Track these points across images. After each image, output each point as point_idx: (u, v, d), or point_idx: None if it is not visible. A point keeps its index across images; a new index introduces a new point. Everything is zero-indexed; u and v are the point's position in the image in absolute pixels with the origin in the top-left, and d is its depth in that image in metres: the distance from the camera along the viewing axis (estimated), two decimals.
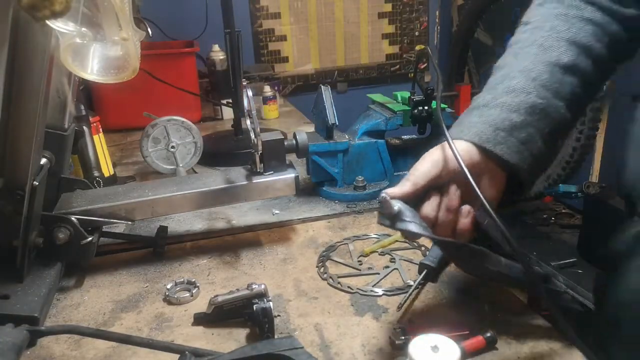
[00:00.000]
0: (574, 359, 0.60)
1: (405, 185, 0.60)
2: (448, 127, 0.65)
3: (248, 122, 0.87)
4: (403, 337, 0.62)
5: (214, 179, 0.89)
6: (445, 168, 0.62)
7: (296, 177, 0.89)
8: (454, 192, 0.61)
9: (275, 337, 0.65)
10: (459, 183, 0.62)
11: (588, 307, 0.70)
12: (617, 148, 0.71)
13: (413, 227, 0.56)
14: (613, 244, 0.71)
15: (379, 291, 0.75)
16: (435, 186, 0.62)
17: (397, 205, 0.57)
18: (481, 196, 0.58)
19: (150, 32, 1.66)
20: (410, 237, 0.61)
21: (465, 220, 0.61)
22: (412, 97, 1.11)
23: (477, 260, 0.60)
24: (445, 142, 0.63)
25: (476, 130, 0.64)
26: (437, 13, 3.04)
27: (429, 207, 0.61)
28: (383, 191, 0.59)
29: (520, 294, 0.74)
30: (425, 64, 3.06)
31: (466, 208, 0.61)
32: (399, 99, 1.16)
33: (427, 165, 0.62)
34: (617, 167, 0.71)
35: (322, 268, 0.82)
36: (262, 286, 0.67)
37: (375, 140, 1.10)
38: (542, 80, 0.65)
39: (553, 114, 0.65)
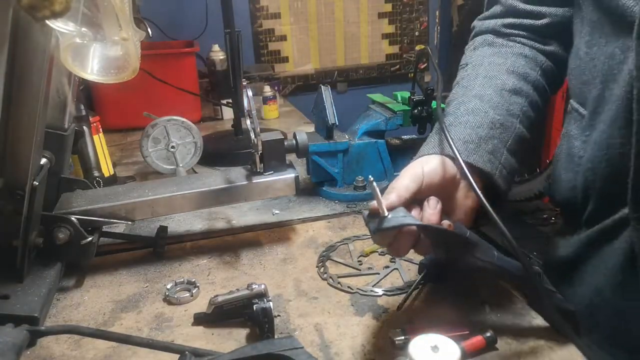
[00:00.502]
0: (574, 359, 0.60)
1: (391, 196, 0.60)
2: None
3: (248, 122, 0.87)
4: (403, 337, 0.62)
5: (214, 179, 0.89)
6: (426, 183, 0.63)
7: (296, 177, 0.89)
8: (434, 206, 0.62)
9: (275, 337, 0.65)
10: (438, 197, 0.63)
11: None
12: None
13: (409, 220, 0.57)
14: (558, 254, 0.76)
15: (379, 291, 0.75)
16: (415, 200, 0.63)
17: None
18: (482, 198, 0.58)
19: (150, 32, 1.66)
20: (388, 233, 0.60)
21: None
22: (412, 97, 1.11)
23: (468, 251, 0.60)
24: (421, 158, 0.67)
25: (444, 146, 0.67)
26: (437, 13, 3.04)
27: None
28: (368, 204, 0.59)
29: (520, 294, 0.74)
30: (425, 64, 3.06)
31: (445, 222, 0.62)
32: (399, 99, 1.16)
33: (407, 180, 0.63)
34: (548, 186, 0.79)
35: (322, 268, 0.82)
36: (262, 286, 0.67)
37: (375, 140, 1.10)
38: (494, 102, 0.72)
39: (511, 128, 0.72)
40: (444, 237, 0.61)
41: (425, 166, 0.65)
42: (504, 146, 0.70)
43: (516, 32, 0.80)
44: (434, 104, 1.09)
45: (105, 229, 0.87)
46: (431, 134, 0.73)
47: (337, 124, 1.07)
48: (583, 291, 0.71)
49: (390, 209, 0.58)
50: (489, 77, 0.75)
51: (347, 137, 1.10)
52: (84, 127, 1.12)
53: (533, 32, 0.79)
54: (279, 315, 0.71)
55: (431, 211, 0.61)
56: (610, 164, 0.63)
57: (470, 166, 0.66)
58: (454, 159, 0.66)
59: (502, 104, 0.72)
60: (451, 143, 0.64)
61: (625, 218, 0.63)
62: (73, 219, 0.77)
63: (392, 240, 0.61)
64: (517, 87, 0.75)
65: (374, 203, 0.57)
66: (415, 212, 0.62)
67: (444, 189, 0.65)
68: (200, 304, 0.74)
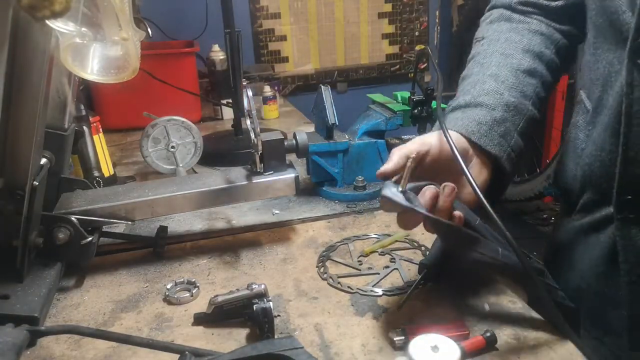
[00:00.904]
0: (574, 359, 0.60)
1: (393, 157, 0.64)
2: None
3: (248, 122, 0.87)
4: (403, 337, 0.62)
5: (214, 179, 0.89)
6: (437, 153, 0.65)
7: (296, 177, 0.89)
8: (448, 194, 0.62)
9: (275, 337, 0.65)
10: (452, 176, 0.64)
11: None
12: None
13: (418, 208, 0.58)
14: (557, 237, 0.81)
15: (379, 291, 0.75)
16: (432, 171, 0.65)
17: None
18: (482, 198, 0.58)
19: (150, 32, 1.66)
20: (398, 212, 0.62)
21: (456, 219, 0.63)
22: (412, 97, 1.11)
23: (472, 245, 0.61)
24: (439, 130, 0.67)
25: (462, 124, 0.69)
26: (437, 13, 3.04)
27: (424, 200, 0.62)
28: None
29: (520, 294, 0.74)
30: (425, 64, 3.06)
31: (457, 214, 0.62)
32: (399, 99, 1.16)
33: (416, 144, 0.65)
34: (555, 168, 0.81)
35: (322, 268, 0.82)
36: (262, 286, 0.67)
37: (375, 140, 1.10)
38: (510, 83, 0.73)
39: (524, 111, 0.72)
40: (449, 230, 0.61)
41: (442, 137, 0.66)
42: (515, 129, 0.71)
43: (531, 9, 0.80)
44: (434, 104, 1.09)
45: (105, 229, 0.87)
46: (447, 113, 0.74)
47: (337, 124, 1.07)
48: (571, 275, 0.76)
49: (392, 173, 0.62)
50: (505, 55, 0.75)
51: (347, 137, 1.10)
52: (84, 127, 1.12)
53: (547, 12, 0.79)
54: (279, 315, 0.71)
55: (445, 198, 0.61)
56: (602, 165, 0.67)
57: (481, 148, 0.68)
58: (465, 137, 0.68)
59: (517, 86, 0.73)
60: (448, 136, 0.64)
61: (610, 216, 0.67)
62: (73, 219, 0.77)
63: (401, 213, 0.62)
64: (532, 67, 0.75)
65: (386, 167, 0.62)
66: (429, 193, 0.62)
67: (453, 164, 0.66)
68: (200, 304, 0.74)
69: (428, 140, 0.66)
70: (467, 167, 0.65)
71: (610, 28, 0.64)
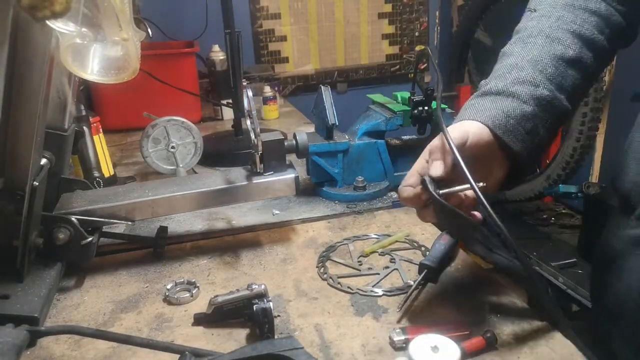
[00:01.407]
0: (574, 359, 0.60)
1: (438, 166, 0.64)
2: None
3: (248, 122, 0.87)
4: (403, 337, 0.62)
5: (214, 179, 0.89)
6: (470, 142, 0.65)
7: (296, 178, 0.89)
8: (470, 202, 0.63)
9: (275, 337, 0.65)
10: (476, 160, 0.65)
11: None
12: (617, 150, 0.74)
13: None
14: (610, 243, 0.74)
15: (379, 291, 0.75)
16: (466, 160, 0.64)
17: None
18: (483, 199, 0.58)
19: (150, 32, 1.65)
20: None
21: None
22: (412, 98, 1.11)
23: (474, 234, 0.63)
24: (463, 122, 0.67)
25: (489, 114, 0.67)
26: (437, 13, 3.04)
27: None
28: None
29: (520, 294, 0.74)
30: (425, 64, 3.06)
31: (478, 215, 0.64)
32: (399, 99, 1.16)
33: (456, 133, 0.64)
34: (615, 169, 0.74)
35: (322, 268, 0.82)
36: (262, 286, 0.67)
37: (375, 140, 1.10)
38: (548, 73, 0.69)
39: (557, 106, 0.69)
40: (455, 217, 0.63)
41: (470, 127, 0.65)
42: (544, 125, 0.68)
43: None
44: (434, 104, 1.09)
45: (105, 229, 0.87)
46: (470, 102, 0.71)
47: (337, 124, 1.07)
48: (618, 287, 0.70)
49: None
50: (552, 39, 0.70)
51: (347, 137, 1.10)
52: (84, 127, 1.12)
53: None
54: (279, 316, 0.71)
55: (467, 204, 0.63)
56: None
57: (503, 143, 0.66)
58: (490, 129, 0.66)
59: (555, 77, 0.69)
60: (451, 142, 0.63)
61: None
62: (73, 219, 0.77)
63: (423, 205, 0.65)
64: (578, 56, 0.70)
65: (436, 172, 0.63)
66: (454, 201, 0.64)
67: (482, 154, 0.66)
68: (200, 304, 0.74)
69: (466, 129, 0.65)
70: (490, 160, 0.66)
71: None
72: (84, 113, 1.13)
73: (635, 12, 0.73)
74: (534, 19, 0.74)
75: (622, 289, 0.70)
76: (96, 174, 1.14)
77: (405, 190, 0.66)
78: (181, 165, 1.17)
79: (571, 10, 0.72)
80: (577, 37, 0.70)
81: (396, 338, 0.63)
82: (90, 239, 0.78)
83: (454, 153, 0.62)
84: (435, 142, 0.66)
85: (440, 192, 0.62)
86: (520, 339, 0.63)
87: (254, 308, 0.64)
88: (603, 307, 0.74)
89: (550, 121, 0.69)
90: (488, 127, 0.66)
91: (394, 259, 0.84)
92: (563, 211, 2.23)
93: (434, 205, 0.64)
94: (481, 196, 0.59)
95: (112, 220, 0.82)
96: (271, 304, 0.64)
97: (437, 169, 0.63)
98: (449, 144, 0.63)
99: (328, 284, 0.78)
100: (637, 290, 0.67)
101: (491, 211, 0.57)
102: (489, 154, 0.67)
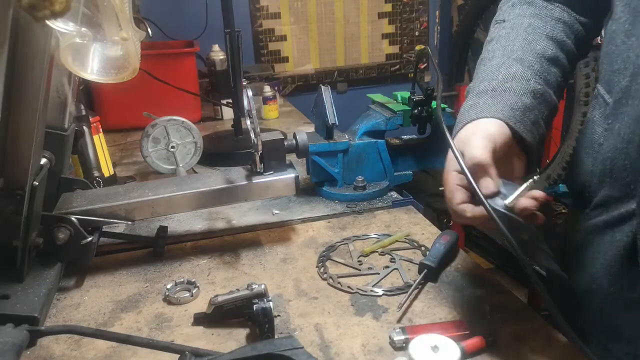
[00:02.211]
0: (574, 359, 0.60)
1: (490, 183, 0.60)
2: (448, 127, 0.66)
3: (248, 122, 0.87)
4: (403, 337, 0.62)
5: (214, 179, 0.89)
6: (502, 141, 0.63)
7: (296, 177, 0.89)
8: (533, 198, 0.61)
9: (275, 337, 0.65)
10: (508, 161, 0.65)
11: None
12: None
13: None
14: (572, 241, 0.77)
15: (379, 291, 0.75)
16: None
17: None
18: (484, 199, 0.58)
19: (150, 32, 1.66)
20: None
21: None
22: (412, 97, 1.11)
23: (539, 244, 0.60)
24: (478, 121, 0.65)
25: (496, 109, 0.66)
26: (437, 13, 3.04)
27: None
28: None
29: (520, 294, 0.74)
30: (425, 64, 3.06)
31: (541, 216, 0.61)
32: (399, 99, 1.16)
33: (486, 141, 0.62)
34: (571, 166, 0.78)
35: (322, 268, 0.82)
36: (262, 286, 0.67)
37: (375, 140, 1.10)
38: (535, 69, 0.71)
39: (548, 99, 0.70)
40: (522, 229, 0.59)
41: (490, 127, 0.64)
42: (542, 117, 0.69)
43: None
44: (434, 104, 1.09)
45: (105, 229, 0.87)
46: (469, 103, 0.71)
47: (337, 124, 1.07)
48: (581, 276, 0.73)
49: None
50: (529, 42, 0.73)
51: (347, 137, 1.10)
52: (84, 127, 1.12)
53: (569, 1, 0.78)
54: (279, 315, 0.71)
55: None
56: (628, 158, 0.64)
57: (518, 134, 0.65)
58: (506, 123, 0.65)
59: (542, 73, 0.71)
60: (452, 144, 0.63)
61: (631, 212, 0.64)
62: (73, 219, 0.77)
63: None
64: (555, 55, 0.73)
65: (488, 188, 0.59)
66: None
67: (506, 151, 0.65)
68: (200, 304, 0.74)
69: (487, 130, 0.64)
70: (511, 155, 0.65)
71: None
72: (84, 113, 1.13)
73: (593, 23, 0.78)
74: (505, 28, 0.77)
75: (585, 279, 0.72)
76: (96, 173, 1.14)
77: (467, 210, 0.61)
78: (181, 165, 1.17)
79: (539, 18, 0.76)
80: (550, 40, 0.74)
81: (396, 338, 0.63)
82: (90, 238, 0.78)
83: (455, 155, 0.60)
84: (474, 156, 0.61)
85: (507, 203, 0.58)
86: (520, 339, 0.63)
87: (254, 308, 0.64)
88: (575, 304, 0.75)
89: (546, 113, 0.70)
90: (503, 121, 0.65)
91: (394, 258, 0.84)
92: (563, 211, 2.23)
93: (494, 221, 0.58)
94: (481, 194, 0.58)
95: (112, 220, 0.82)
96: (271, 303, 0.64)
97: (490, 185, 0.60)
98: (450, 143, 0.62)
99: (328, 283, 0.78)
100: (604, 276, 0.69)
101: (492, 211, 0.57)
102: (510, 149, 0.66)
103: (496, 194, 0.59)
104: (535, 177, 0.58)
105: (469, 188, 0.61)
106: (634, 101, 0.63)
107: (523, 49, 0.72)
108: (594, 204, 0.71)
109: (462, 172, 0.59)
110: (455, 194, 0.62)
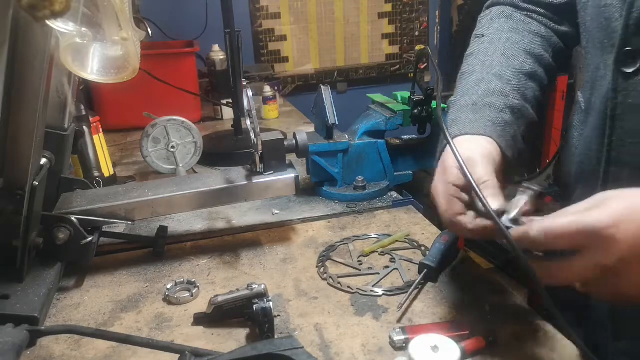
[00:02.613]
0: (574, 359, 0.60)
1: (497, 197, 0.59)
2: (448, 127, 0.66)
3: (248, 122, 0.87)
4: (403, 337, 0.62)
5: (214, 179, 0.89)
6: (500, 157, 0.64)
7: (296, 177, 0.89)
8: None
9: (275, 337, 0.65)
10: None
11: None
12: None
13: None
14: None
15: (379, 291, 0.75)
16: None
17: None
18: (481, 194, 0.58)
19: (150, 32, 1.66)
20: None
21: None
22: (412, 97, 1.11)
23: None
24: (472, 138, 0.65)
25: (479, 125, 0.67)
26: (437, 13, 3.03)
27: None
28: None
29: (520, 294, 0.74)
30: (425, 64, 3.06)
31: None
32: (399, 99, 1.16)
33: (488, 167, 0.62)
34: (555, 166, 0.80)
35: (322, 268, 0.82)
36: (262, 286, 0.67)
37: (375, 140, 1.10)
38: (513, 84, 0.72)
39: (526, 114, 0.72)
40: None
41: (484, 146, 0.65)
42: (519, 132, 0.70)
43: (533, 7, 0.80)
44: (434, 104, 1.09)
45: (105, 229, 0.87)
46: (450, 117, 0.71)
47: (337, 124, 1.07)
48: None
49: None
50: (507, 57, 0.75)
51: (347, 137, 1.10)
52: (84, 127, 1.12)
53: (550, 10, 0.79)
54: (279, 315, 0.71)
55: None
56: (590, 163, 0.67)
57: (501, 150, 0.66)
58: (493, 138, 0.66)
59: (520, 88, 0.72)
60: (453, 145, 0.62)
61: None
62: (73, 219, 0.77)
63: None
64: (533, 70, 0.74)
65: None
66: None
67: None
68: (200, 304, 0.74)
69: (483, 148, 0.64)
70: (499, 171, 0.64)
71: (600, 33, 0.65)
72: (84, 113, 1.13)
73: (575, 32, 0.79)
74: (484, 43, 0.79)
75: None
76: (96, 173, 1.14)
77: (468, 222, 0.60)
78: (181, 165, 1.17)
79: (517, 32, 0.78)
80: (528, 55, 0.75)
81: (396, 338, 0.63)
82: (90, 238, 0.78)
83: (458, 159, 0.60)
84: (481, 178, 0.60)
85: (512, 217, 0.55)
86: (520, 339, 0.63)
87: (254, 308, 0.64)
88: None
89: (523, 128, 0.71)
90: (490, 137, 0.66)
91: (394, 258, 0.84)
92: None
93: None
94: (483, 198, 0.57)
95: (112, 220, 0.82)
96: (271, 303, 0.64)
97: (495, 202, 0.58)
98: (451, 145, 0.62)
99: (328, 283, 0.78)
100: None
101: (492, 212, 0.56)
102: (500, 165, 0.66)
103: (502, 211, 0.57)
104: (534, 187, 0.57)
105: (463, 199, 0.60)
106: (595, 112, 0.66)
107: (501, 64, 0.74)
108: (575, 197, 0.73)
109: (469, 185, 0.58)
110: (452, 206, 0.61)
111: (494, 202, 0.57)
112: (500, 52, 0.76)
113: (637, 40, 0.59)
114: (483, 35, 0.80)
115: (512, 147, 0.68)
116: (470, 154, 0.62)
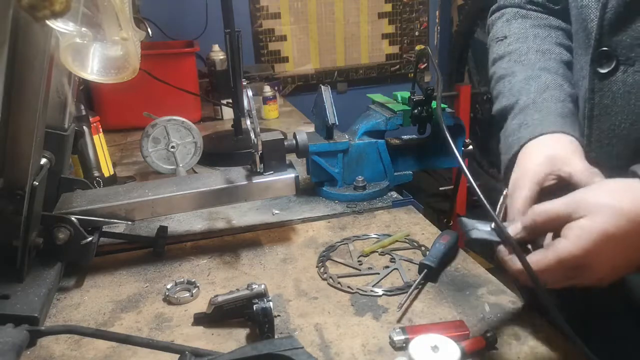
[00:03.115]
0: (574, 359, 0.60)
1: (518, 222, 0.57)
2: (448, 127, 0.65)
3: (248, 122, 0.87)
4: (403, 337, 0.62)
5: (214, 179, 0.89)
6: (556, 176, 0.61)
7: (296, 177, 0.89)
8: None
9: (275, 337, 0.65)
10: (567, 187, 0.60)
11: None
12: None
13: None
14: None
15: (379, 291, 0.75)
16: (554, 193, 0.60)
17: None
18: (482, 197, 0.58)
19: (150, 32, 1.66)
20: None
21: None
22: (412, 97, 1.11)
23: None
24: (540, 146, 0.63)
25: (548, 122, 0.65)
26: (437, 13, 3.04)
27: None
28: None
29: (520, 294, 0.74)
30: (425, 64, 3.06)
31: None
32: (399, 99, 1.16)
33: (533, 184, 0.60)
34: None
35: (322, 268, 0.82)
36: (262, 286, 0.67)
37: (375, 140, 1.10)
38: (561, 73, 0.70)
39: (576, 101, 0.70)
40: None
41: (563, 144, 0.62)
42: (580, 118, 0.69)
43: (540, 9, 0.79)
44: (434, 104, 1.09)
45: (105, 229, 0.87)
46: (515, 122, 0.68)
47: (337, 124, 1.07)
48: None
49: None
50: (543, 52, 0.73)
51: (347, 137, 1.10)
52: (84, 127, 1.12)
53: (552, 14, 0.79)
54: (279, 315, 0.71)
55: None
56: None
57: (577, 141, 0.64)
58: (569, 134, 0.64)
59: (567, 76, 0.71)
60: (452, 146, 0.62)
61: None
62: (73, 219, 0.77)
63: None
64: (570, 59, 0.73)
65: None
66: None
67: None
68: (200, 304, 0.74)
69: (566, 150, 0.61)
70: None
71: (581, 34, 0.65)
72: (84, 113, 1.13)
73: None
74: (512, 44, 0.77)
75: None
76: (96, 173, 1.14)
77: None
78: (181, 165, 1.17)
79: (541, 28, 0.76)
80: (560, 46, 0.74)
81: (396, 338, 0.63)
82: (90, 238, 0.78)
83: (462, 167, 0.59)
84: (517, 208, 0.59)
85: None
86: (520, 339, 0.63)
87: (254, 308, 0.64)
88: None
89: (578, 114, 0.69)
90: (563, 131, 0.64)
91: (394, 258, 0.84)
92: None
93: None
94: (485, 200, 0.57)
95: (112, 220, 0.82)
96: (271, 303, 0.64)
97: (514, 230, 0.56)
98: (450, 145, 0.62)
99: (328, 283, 0.78)
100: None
101: (492, 211, 0.56)
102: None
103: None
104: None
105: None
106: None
107: (540, 59, 0.72)
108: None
109: (507, 241, 0.55)
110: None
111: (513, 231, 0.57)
112: (534, 49, 0.74)
113: (611, 41, 0.59)
114: (506, 37, 0.78)
115: (581, 135, 0.67)
116: (557, 153, 0.61)
